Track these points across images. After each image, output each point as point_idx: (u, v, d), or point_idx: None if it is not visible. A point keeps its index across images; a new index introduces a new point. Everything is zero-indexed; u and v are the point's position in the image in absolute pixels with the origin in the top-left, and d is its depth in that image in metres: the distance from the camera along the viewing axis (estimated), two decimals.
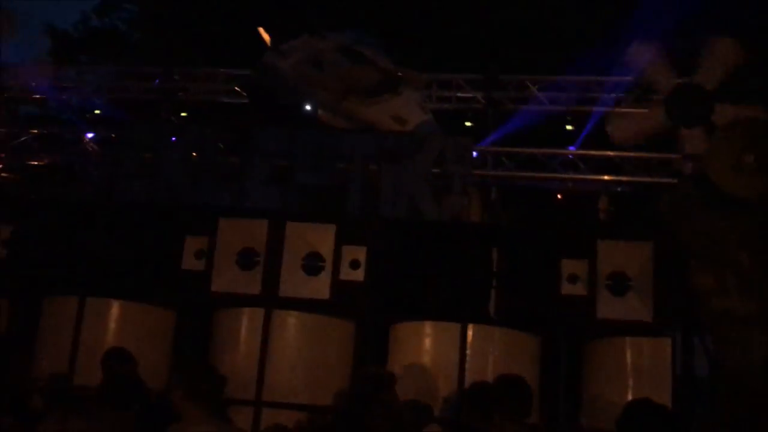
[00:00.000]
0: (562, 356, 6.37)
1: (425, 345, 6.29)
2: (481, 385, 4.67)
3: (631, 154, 7.20)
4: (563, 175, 7.29)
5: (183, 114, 8.97)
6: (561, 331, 6.37)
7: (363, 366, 4.99)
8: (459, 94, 8.37)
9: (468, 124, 8.49)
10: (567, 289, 6.41)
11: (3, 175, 8.38)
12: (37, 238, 6.70)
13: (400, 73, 7.41)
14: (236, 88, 8.76)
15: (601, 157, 7.28)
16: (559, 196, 7.71)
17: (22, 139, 8.44)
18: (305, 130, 7.19)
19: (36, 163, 8.91)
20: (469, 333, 6.17)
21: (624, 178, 7.23)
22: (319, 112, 7.82)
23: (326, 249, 6.46)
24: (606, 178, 7.26)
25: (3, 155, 8.39)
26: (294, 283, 6.42)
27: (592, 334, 6.36)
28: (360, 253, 6.45)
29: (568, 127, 7.97)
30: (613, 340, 6.36)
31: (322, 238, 6.50)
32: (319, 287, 6.40)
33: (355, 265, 6.43)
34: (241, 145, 7.08)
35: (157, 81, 8.88)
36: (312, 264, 6.47)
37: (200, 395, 3.54)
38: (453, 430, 4.90)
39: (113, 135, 7.85)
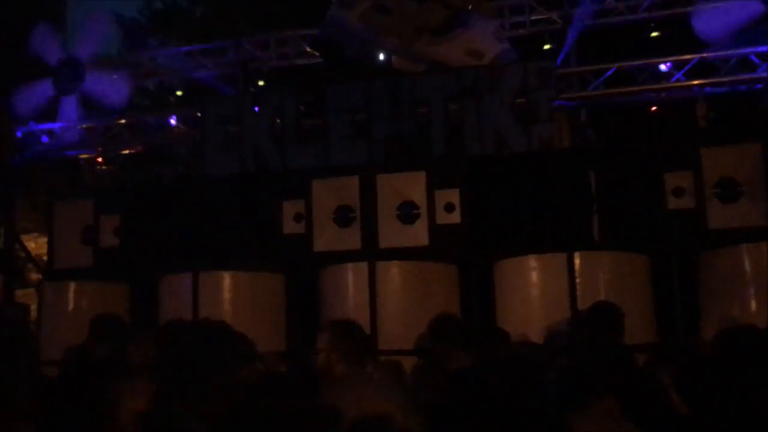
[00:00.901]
0: (675, 273, 6.17)
1: (532, 279, 6.21)
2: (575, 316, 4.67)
3: (727, 52, 6.73)
4: (655, 86, 6.91)
5: (260, 82, 9.07)
6: (672, 248, 6.15)
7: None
8: (533, 17, 8.04)
9: (547, 46, 8.17)
10: (673, 203, 6.17)
11: (103, 167, 8.78)
12: (145, 222, 7.01)
13: (469, 5, 7.18)
14: (307, 48, 8.76)
15: (694, 60, 6.84)
16: (653, 109, 7.35)
17: (114, 132, 8.77)
18: (380, 79, 7.12)
19: (128, 151, 9.27)
20: (576, 261, 6.03)
21: (723, 79, 6.79)
22: (393, 59, 7.72)
23: (419, 196, 6.46)
24: (701, 82, 6.83)
25: (101, 149, 8.78)
26: (392, 233, 6.48)
27: (706, 246, 6.10)
28: (453, 196, 6.41)
29: (653, 34, 7.53)
30: (728, 250, 6.09)
31: (413, 185, 6.50)
32: (417, 235, 6.43)
33: (450, 208, 6.40)
34: (321, 105, 7.10)
35: (230, 54, 8.98)
36: (407, 213, 6.49)
37: (352, 354, 3.61)
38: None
39: (197, 113, 8.03)
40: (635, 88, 6.96)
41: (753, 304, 5.92)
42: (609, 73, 6.98)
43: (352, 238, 6.50)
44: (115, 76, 8.80)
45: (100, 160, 8.82)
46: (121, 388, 2.55)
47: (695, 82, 6.85)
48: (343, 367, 3.59)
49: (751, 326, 3.49)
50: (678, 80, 6.87)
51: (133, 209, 7.12)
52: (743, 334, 3.07)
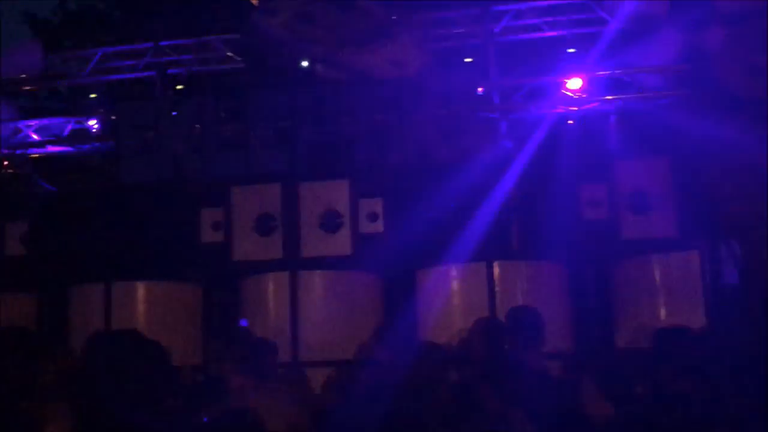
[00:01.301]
0: (591, 282, 6.37)
1: (453, 288, 6.28)
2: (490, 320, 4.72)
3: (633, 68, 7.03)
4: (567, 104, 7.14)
5: (179, 87, 8.82)
6: (588, 257, 6.35)
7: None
8: (456, 30, 8.15)
9: (467, 60, 8.30)
10: (588, 213, 6.38)
11: (9, 171, 8.31)
12: (53, 230, 6.69)
13: (393, 16, 7.22)
14: (229, 53, 8.58)
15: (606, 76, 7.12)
16: (569, 122, 7.57)
17: (22, 134, 8.34)
18: (305, 87, 7.06)
19: (38, 156, 8.83)
20: (496, 270, 6.15)
21: (632, 95, 7.08)
22: (317, 67, 7.66)
23: (342, 205, 6.44)
24: (613, 97, 7.11)
25: (6, 152, 8.32)
26: (314, 242, 6.42)
27: (620, 256, 6.33)
28: (377, 205, 6.43)
29: (570, 50, 7.77)
30: (640, 260, 6.34)
31: (337, 194, 6.47)
32: (340, 243, 6.40)
33: (373, 217, 6.41)
34: (243, 111, 6.97)
35: (148, 57, 8.71)
36: (330, 221, 6.45)
37: (250, 364, 3.53)
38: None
39: (113, 117, 7.73)
40: (549, 105, 7.17)
41: (662, 312, 6.18)
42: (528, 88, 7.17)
43: (273, 247, 6.41)
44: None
45: (6, 163, 8.36)
46: (39, 410, 2.41)
47: (608, 98, 7.11)
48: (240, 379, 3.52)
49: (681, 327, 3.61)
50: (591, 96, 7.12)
51: (42, 216, 6.80)
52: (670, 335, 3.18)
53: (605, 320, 6.40)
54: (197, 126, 7.02)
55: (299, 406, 3.55)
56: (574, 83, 7.07)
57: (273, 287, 6.36)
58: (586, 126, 7.52)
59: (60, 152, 8.84)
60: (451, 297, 6.23)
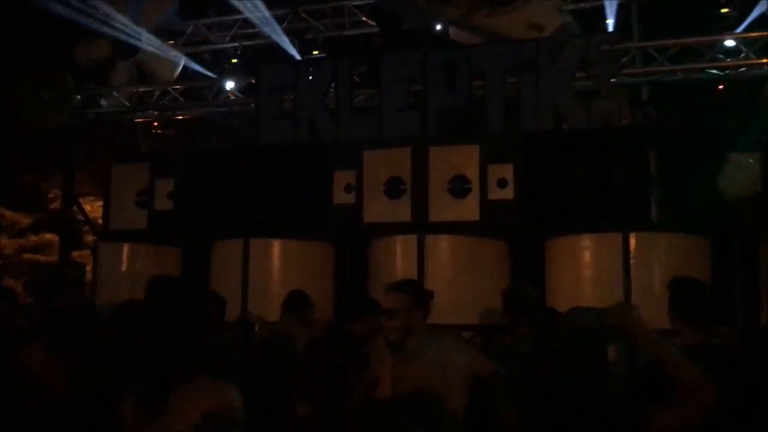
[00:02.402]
0: (736, 257, 5.96)
1: (584, 258, 6.08)
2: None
3: None
4: (723, 64, 6.62)
5: (315, 52, 9.03)
6: (733, 231, 5.94)
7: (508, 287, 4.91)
8: None
9: (609, 21, 7.91)
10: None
11: (159, 131, 8.89)
12: (198, 188, 7.09)
13: None
14: (363, 18, 8.67)
15: (765, 38, 6.52)
16: (719, 88, 7.05)
17: (169, 97, 8.86)
18: (437, 51, 7.00)
19: (184, 117, 9.37)
20: (632, 242, 5.89)
21: None
22: (450, 30, 7.58)
23: (471, 170, 6.37)
24: None
25: (156, 113, 8.88)
26: (442, 207, 6.41)
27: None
28: (506, 171, 6.30)
29: (724, 10, 7.20)
30: None
31: (466, 159, 6.41)
32: (468, 209, 6.35)
33: (502, 183, 6.30)
34: (376, 75, 7.03)
35: (286, 23, 8.96)
36: (458, 187, 6.41)
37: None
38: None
39: (252, 81, 8.04)
40: (700, 65, 6.68)
41: None
42: (673, 48, 6.71)
43: (402, 210, 6.46)
44: (170, 52, 8.88)
45: (155, 124, 8.93)
46: None
47: (764, 61, 6.54)
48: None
49: None
50: (746, 58, 6.56)
51: (187, 174, 7.21)
52: None
53: (751, 300, 5.99)
54: (332, 90, 7.16)
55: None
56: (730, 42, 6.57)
57: (401, 249, 6.44)
58: (739, 90, 7.01)
59: (204, 114, 9.35)
60: (582, 268, 6.05)
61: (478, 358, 3.69)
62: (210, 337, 2.56)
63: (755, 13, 6.69)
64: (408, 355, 3.56)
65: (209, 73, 8.96)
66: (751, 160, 5.49)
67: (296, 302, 5.26)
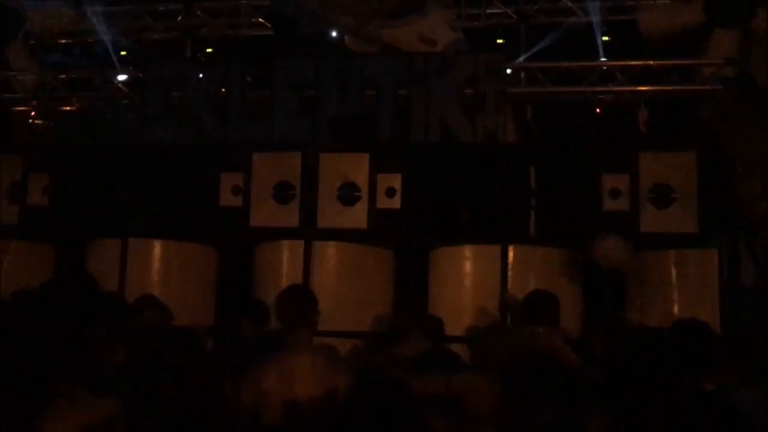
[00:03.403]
0: (606, 272, 6.31)
1: (466, 268, 6.28)
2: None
3: (671, 62, 6.88)
4: (601, 88, 7.02)
5: (208, 50, 8.83)
6: None
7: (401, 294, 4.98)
8: (489, 10, 8.04)
9: (499, 41, 8.19)
10: (609, 204, 6.31)
11: (36, 122, 8.41)
12: (76, 183, 6.77)
13: None
14: (260, 19, 8.57)
15: (639, 66, 6.97)
16: (597, 111, 7.45)
17: (51, 86, 8.41)
18: (331, 58, 7.02)
19: (67, 108, 8.91)
20: (510, 254, 6.13)
21: (664, 88, 6.94)
22: (345, 38, 7.61)
23: (361, 178, 6.43)
24: (645, 88, 6.98)
25: (34, 103, 8.41)
26: (331, 214, 6.43)
27: (637, 248, 6.26)
28: (395, 181, 6.41)
29: (605, 38, 7.62)
30: (657, 254, 6.27)
31: (356, 167, 6.46)
32: (357, 217, 6.41)
33: (391, 192, 6.40)
34: (268, 78, 6.96)
35: (180, 18, 8.72)
36: (348, 194, 6.46)
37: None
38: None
39: (140, 76, 7.77)
40: (580, 88, 7.05)
41: (675, 309, 6.12)
42: (557, 71, 7.04)
43: (290, 215, 6.44)
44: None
45: (33, 114, 8.45)
46: None
47: (637, 88, 6.98)
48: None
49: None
50: (621, 84, 6.98)
51: (66, 169, 6.88)
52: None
53: (618, 312, 6.35)
54: (222, 90, 7.03)
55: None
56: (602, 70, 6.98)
57: (287, 255, 6.40)
58: (615, 114, 7.43)
59: (87, 107, 8.92)
60: (463, 277, 6.23)
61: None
62: (89, 345, 2.38)
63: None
64: None
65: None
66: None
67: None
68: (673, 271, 6.29)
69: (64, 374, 2.22)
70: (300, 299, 3.66)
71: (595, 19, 7.34)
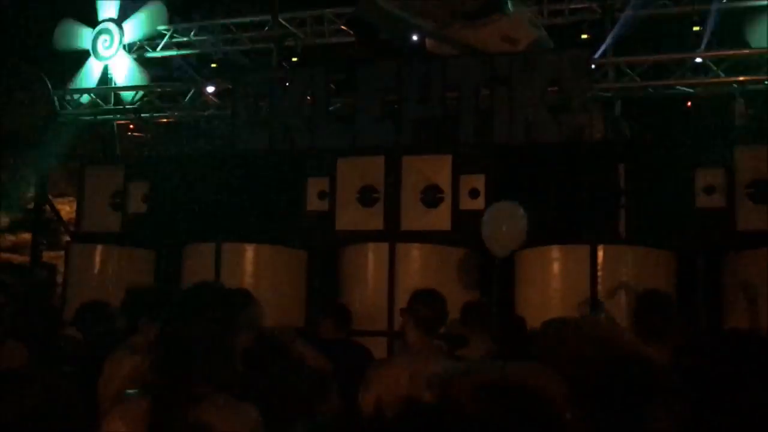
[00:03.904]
0: (701, 272, 6.06)
1: (553, 269, 6.15)
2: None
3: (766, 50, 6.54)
4: (692, 81, 6.75)
5: (294, 59, 9.07)
6: (698, 247, 6.04)
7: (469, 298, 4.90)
8: (572, 6, 7.90)
9: (584, 36, 8.03)
10: (703, 201, 6.06)
11: (136, 134, 8.88)
12: (173, 191, 7.10)
13: None
14: (342, 26, 8.74)
15: (735, 56, 6.66)
16: (688, 104, 7.18)
17: (147, 98, 8.86)
18: (412, 61, 7.07)
19: (164, 120, 9.37)
20: (600, 254, 5.96)
21: (762, 78, 6.61)
22: (426, 41, 7.65)
23: (444, 180, 6.44)
24: (741, 78, 6.66)
25: (133, 116, 8.88)
26: (414, 216, 6.47)
27: (733, 247, 5.98)
28: (479, 182, 6.37)
29: (696, 28, 7.34)
30: (756, 252, 5.97)
31: (438, 169, 6.47)
32: (440, 219, 6.41)
33: (474, 194, 6.37)
34: (351, 84, 7.08)
35: (266, 28, 9.01)
36: (431, 196, 6.48)
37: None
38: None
39: (230, 86, 8.08)
40: (671, 82, 6.80)
41: None
42: (645, 65, 6.83)
43: (374, 218, 6.51)
44: (138, 70, 8.90)
45: (132, 127, 8.93)
46: None
47: (733, 79, 6.68)
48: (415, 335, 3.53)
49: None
50: (716, 76, 6.69)
51: (163, 178, 7.22)
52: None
53: (714, 315, 6.09)
54: (308, 98, 7.21)
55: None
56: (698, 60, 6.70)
57: (373, 257, 6.48)
58: (709, 108, 7.14)
59: (182, 118, 9.35)
60: (551, 279, 6.12)
61: None
62: (228, 348, 2.22)
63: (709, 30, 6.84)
64: None
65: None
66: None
67: None
68: None
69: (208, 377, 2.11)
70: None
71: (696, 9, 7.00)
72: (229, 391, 2.13)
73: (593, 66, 6.93)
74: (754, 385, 2.21)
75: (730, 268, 6.07)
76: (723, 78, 6.73)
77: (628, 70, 6.91)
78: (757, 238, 5.92)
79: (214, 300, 2.30)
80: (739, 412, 2.03)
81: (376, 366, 3.66)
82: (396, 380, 3.30)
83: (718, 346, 2.75)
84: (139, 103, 8.77)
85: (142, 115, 8.86)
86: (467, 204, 6.32)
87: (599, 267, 5.99)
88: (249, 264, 6.71)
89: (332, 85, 7.35)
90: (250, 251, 6.72)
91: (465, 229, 6.31)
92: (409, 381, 3.23)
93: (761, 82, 6.66)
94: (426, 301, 3.64)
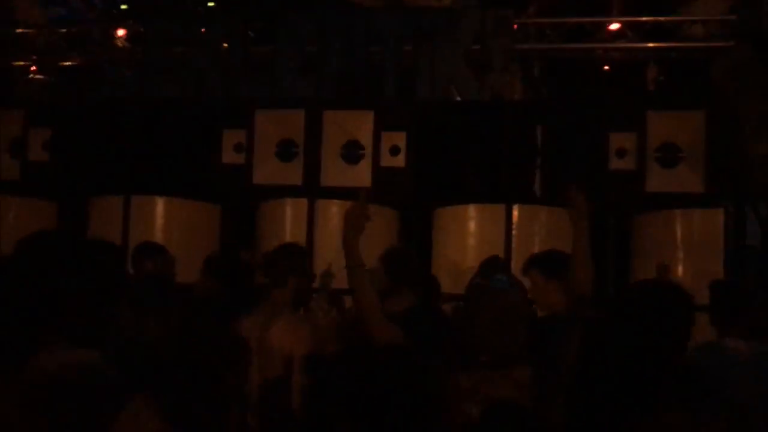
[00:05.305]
0: (611, 232, 6.28)
1: (470, 228, 6.24)
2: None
3: (682, 18, 6.73)
4: (610, 45, 6.89)
5: (210, 4, 8.68)
6: (609, 207, 6.24)
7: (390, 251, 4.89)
8: None
9: None
10: (615, 163, 6.24)
11: (37, 77, 8.33)
12: (77, 139, 6.72)
13: None
14: None
15: (650, 23, 6.83)
16: (606, 68, 7.33)
17: (51, 41, 8.30)
18: (335, 11, 6.89)
19: (68, 63, 8.81)
20: (515, 213, 6.09)
21: (675, 44, 6.81)
22: None
23: (365, 136, 6.36)
24: (655, 45, 6.85)
25: (35, 58, 8.31)
26: (334, 172, 6.38)
27: (642, 208, 6.21)
28: (400, 139, 6.34)
29: None
30: (663, 213, 6.22)
31: (360, 125, 6.38)
32: (360, 175, 6.35)
33: (395, 151, 6.33)
34: (272, 33, 6.84)
35: None
36: (351, 152, 6.40)
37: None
38: None
39: (141, 30, 7.66)
40: (590, 45, 6.92)
41: (680, 269, 6.10)
42: (566, 27, 6.90)
43: (293, 173, 6.39)
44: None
45: (33, 69, 8.36)
46: None
47: (649, 45, 6.85)
48: None
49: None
50: (631, 41, 6.85)
51: (67, 124, 6.82)
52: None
53: (622, 272, 6.34)
54: (225, 45, 6.92)
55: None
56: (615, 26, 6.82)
57: (291, 213, 6.37)
58: (623, 71, 7.31)
59: (88, 61, 8.81)
60: (467, 237, 6.20)
61: None
62: (82, 298, 2.23)
63: None
64: None
65: None
66: None
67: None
68: (679, 231, 6.25)
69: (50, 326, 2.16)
70: None
71: None
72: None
73: (515, 26, 6.94)
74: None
75: (637, 229, 6.32)
76: (637, 43, 6.89)
77: (549, 32, 6.96)
78: (664, 200, 6.17)
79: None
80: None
81: None
82: None
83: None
84: (42, 44, 8.21)
85: (46, 57, 8.31)
86: (388, 161, 6.28)
87: (514, 226, 6.12)
88: (159, 218, 6.49)
89: (250, 33, 7.08)
90: (160, 204, 6.48)
91: (385, 187, 6.28)
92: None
93: (673, 48, 6.86)
94: None
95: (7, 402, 1.99)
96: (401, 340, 2.73)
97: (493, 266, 4.24)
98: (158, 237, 6.31)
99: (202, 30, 7.01)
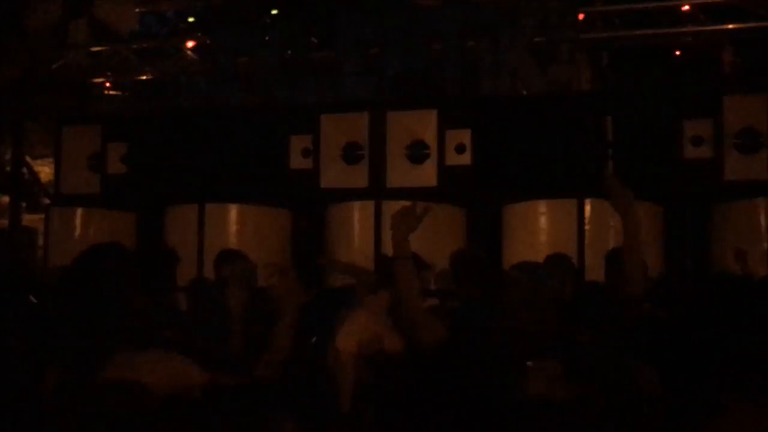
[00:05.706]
0: (688, 224, 6.05)
1: (540, 224, 6.13)
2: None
3: None
4: (680, 29, 6.63)
5: (273, 11, 8.81)
6: (686, 198, 6.01)
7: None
8: None
9: None
10: (691, 152, 6.00)
11: (111, 93, 8.64)
12: (152, 151, 6.94)
13: None
14: None
15: (723, 3, 6.53)
16: (677, 53, 7.05)
17: (124, 57, 8.60)
18: (394, 11, 6.88)
19: (141, 78, 9.12)
20: (587, 208, 5.93)
21: (752, 25, 6.49)
22: None
23: (429, 135, 6.33)
24: (730, 26, 6.54)
25: (108, 74, 8.63)
26: (400, 173, 6.38)
27: (721, 198, 5.96)
28: (464, 136, 6.27)
29: None
30: (743, 203, 5.95)
31: (424, 124, 6.35)
32: (426, 175, 6.33)
33: (460, 149, 6.27)
34: (333, 37, 6.89)
35: None
36: (416, 152, 6.37)
37: None
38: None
39: (208, 41, 7.85)
40: (659, 31, 6.67)
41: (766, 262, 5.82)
42: (633, 14, 6.68)
43: (359, 176, 6.41)
44: (123, 3, 8.58)
45: (108, 85, 8.69)
46: None
47: (723, 27, 6.55)
48: None
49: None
50: (703, 24, 6.57)
51: (141, 137, 7.05)
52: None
53: (701, 265, 6.10)
54: (288, 52, 7.02)
55: None
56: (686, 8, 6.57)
57: (358, 215, 6.40)
58: (697, 56, 7.03)
59: (160, 75, 9.10)
60: (538, 233, 6.08)
61: None
62: (137, 307, 2.37)
63: None
64: None
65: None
66: None
67: None
68: (763, 220, 5.96)
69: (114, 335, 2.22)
70: None
71: None
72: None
73: (581, 15, 6.76)
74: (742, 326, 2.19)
75: (717, 219, 6.06)
76: (710, 26, 6.60)
77: (616, 20, 6.76)
78: (744, 188, 5.90)
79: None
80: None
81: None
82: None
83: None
84: (115, 61, 8.53)
85: (120, 73, 8.63)
86: (453, 159, 6.23)
87: (586, 221, 5.96)
88: (233, 225, 6.63)
89: (313, 39, 7.15)
90: (233, 211, 6.63)
91: (451, 185, 6.24)
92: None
93: (748, 29, 6.54)
94: None
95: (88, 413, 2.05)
96: (442, 332, 2.74)
97: (556, 264, 4.15)
98: (232, 243, 6.45)
99: (266, 38, 7.12)
